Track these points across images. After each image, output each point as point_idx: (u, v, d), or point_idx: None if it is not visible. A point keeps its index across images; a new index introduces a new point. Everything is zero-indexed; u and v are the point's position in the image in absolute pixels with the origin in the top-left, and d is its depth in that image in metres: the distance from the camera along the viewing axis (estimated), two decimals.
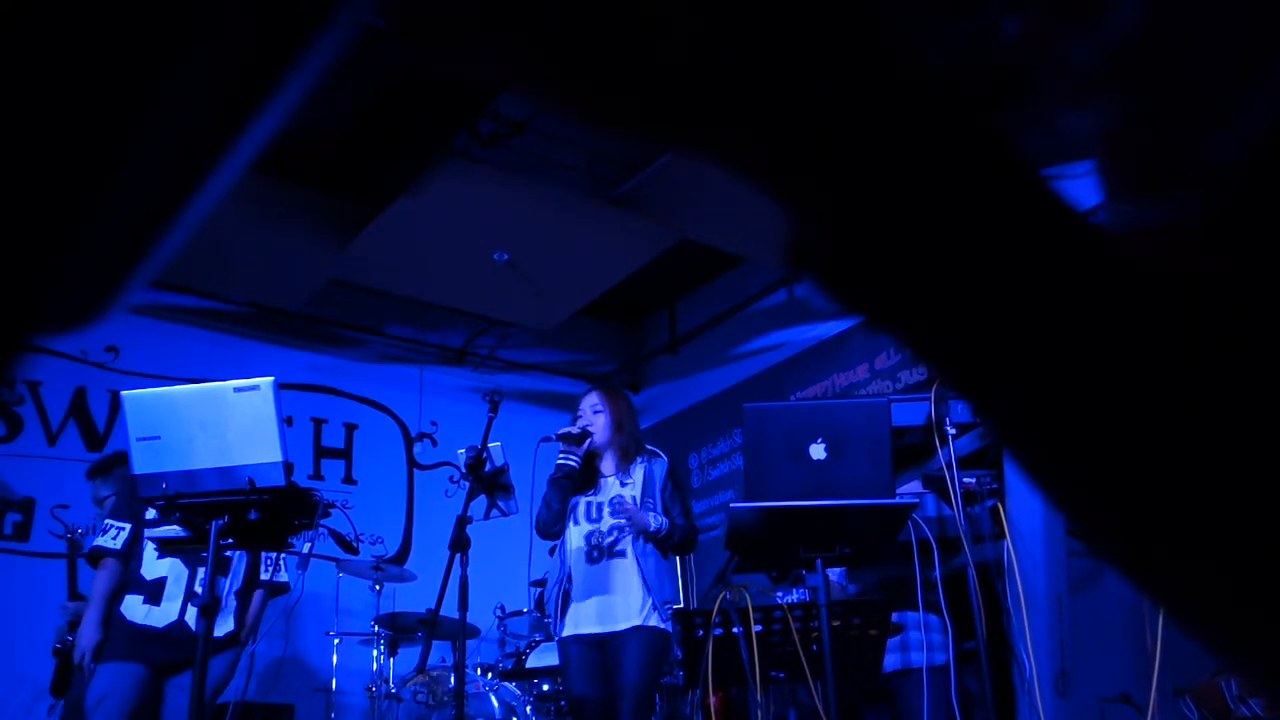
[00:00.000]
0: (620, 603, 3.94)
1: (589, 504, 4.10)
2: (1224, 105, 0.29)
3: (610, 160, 5.76)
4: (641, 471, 4.15)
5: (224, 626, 3.97)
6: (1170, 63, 0.30)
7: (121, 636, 3.88)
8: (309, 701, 5.79)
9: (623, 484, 4.13)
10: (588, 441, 4.11)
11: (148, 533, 3.72)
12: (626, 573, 3.97)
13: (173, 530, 3.85)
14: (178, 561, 3.93)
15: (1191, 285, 0.29)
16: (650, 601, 3.92)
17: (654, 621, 3.91)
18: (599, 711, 3.93)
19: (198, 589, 3.84)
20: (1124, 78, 0.31)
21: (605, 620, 3.94)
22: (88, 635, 3.92)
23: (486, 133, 5.51)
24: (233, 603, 4.04)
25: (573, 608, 4.01)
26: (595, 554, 4.02)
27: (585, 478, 4.12)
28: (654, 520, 3.98)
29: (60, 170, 0.29)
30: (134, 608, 3.91)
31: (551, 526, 4.08)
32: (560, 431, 4.16)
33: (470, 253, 5.96)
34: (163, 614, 3.89)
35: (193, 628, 3.80)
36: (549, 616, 4.43)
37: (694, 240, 6.04)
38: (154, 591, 3.90)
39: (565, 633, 4.01)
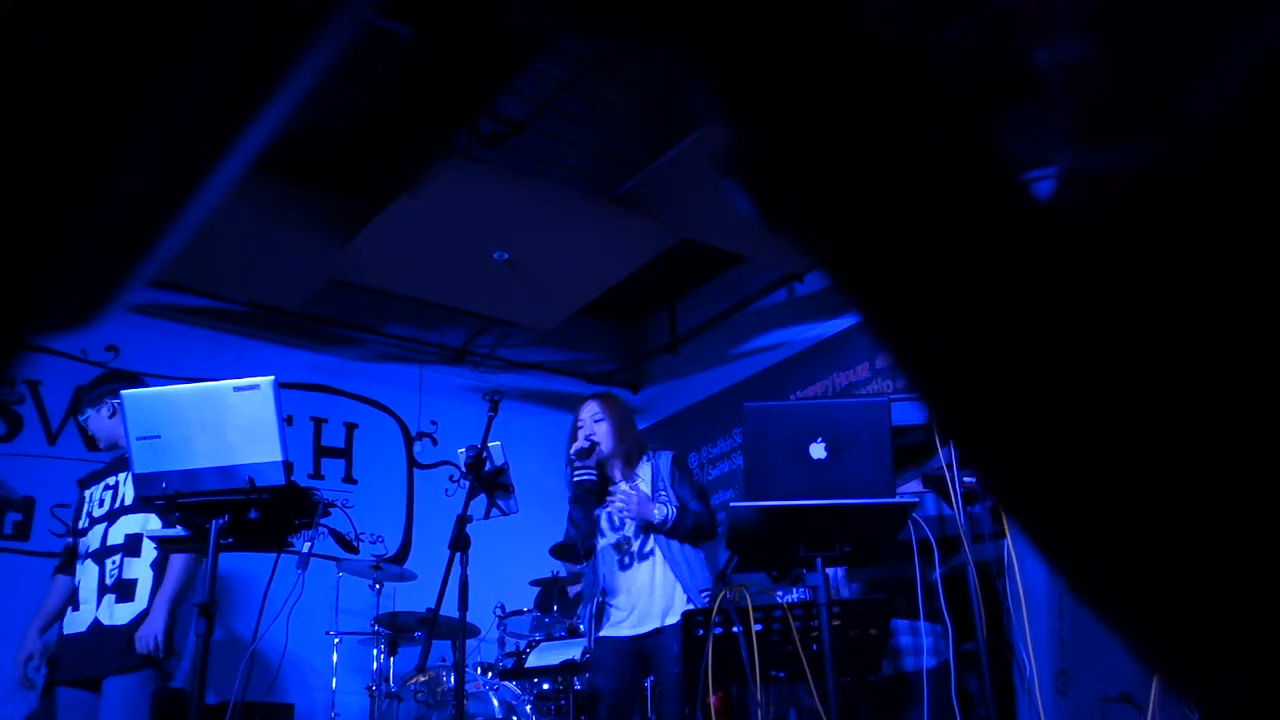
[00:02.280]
0: (654, 604, 4.02)
1: (609, 515, 4.15)
2: (1208, 52, 0.28)
3: (610, 160, 5.75)
4: (649, 469, 4.20)
5: (134, 608, 3.83)
6: (1154, 7, 0.29)
7: (63, 657, 3.90)
8: (309, 701, 5.79)
9: (631, 486, 4.16)
10: (597, 452, 4.14)
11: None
12: (656, 572, 4.04)
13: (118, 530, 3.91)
14: (90, 561, 3.93)
15: (1189, 289, 0.29)
16: (685, 595, 3.99)
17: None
18: (616, 705, 4.01)
19: (107, 580, 3.87)
20: (1104, 18, 0.30)
21: (641, 623, 4.03)
22: (26, 647, 4.03)
23: (486, 132, 5.50)
24: (149, 574, 3.89)
25: (610, 613, 4.10)
26: (627, 560, 4.11)
27: (600, 489, 4.15)
28: (658, 512, 4.02)
29: (61, 170, 0.29)
30: (68, 619, 3.94)
31: (585, 543, 4.14)
32: (575, 448, 4.17)
33: (470, 252, 5.95)
34: (82, 617, 3.87)
35: (106, 624, 3.82)
36: (580, 621, 4.48)
37: (694, 240, 6.04)
38: (74, 597, 3.94)
39: (602, 634, 4.10)
